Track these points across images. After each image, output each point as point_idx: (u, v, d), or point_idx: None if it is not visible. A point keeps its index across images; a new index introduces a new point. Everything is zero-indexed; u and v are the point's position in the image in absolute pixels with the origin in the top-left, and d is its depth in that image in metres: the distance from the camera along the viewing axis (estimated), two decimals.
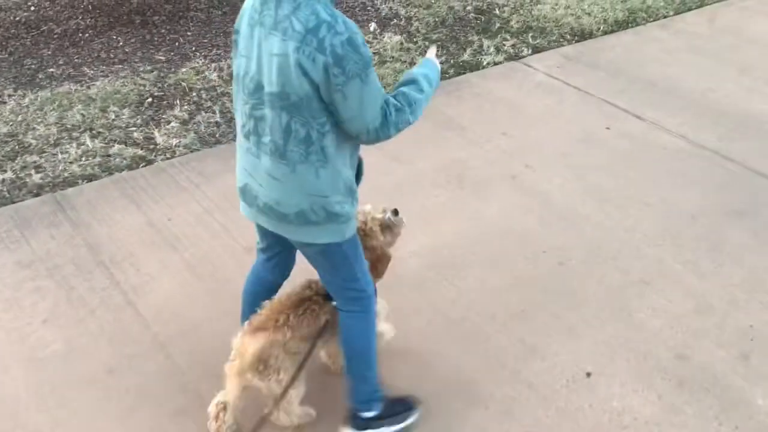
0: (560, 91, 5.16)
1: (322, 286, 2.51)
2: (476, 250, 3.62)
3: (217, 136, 4.45)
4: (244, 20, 2.12)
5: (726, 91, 5.23)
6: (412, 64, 5.42)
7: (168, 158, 4.23)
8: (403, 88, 2.21)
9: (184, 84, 5.02)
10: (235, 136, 4.41)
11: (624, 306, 3.30)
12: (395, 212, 2.69)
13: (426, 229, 3.70)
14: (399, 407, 2.61)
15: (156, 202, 3.85)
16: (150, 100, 4.82)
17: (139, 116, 4.65)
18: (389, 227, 2.66)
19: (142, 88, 4.96)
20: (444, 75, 5.29)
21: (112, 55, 5.38)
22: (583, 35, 6.08)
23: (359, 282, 2.41)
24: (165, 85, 5.00)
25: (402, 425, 2.60)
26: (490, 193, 4.05)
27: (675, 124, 4.78)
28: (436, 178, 4.17)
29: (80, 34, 5.66)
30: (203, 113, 4.67)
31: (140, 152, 4.23)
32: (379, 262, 2.61)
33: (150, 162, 4.17)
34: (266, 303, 2.51)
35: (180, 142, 4.34)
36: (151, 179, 4.03)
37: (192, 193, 3.91)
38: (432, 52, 2.45)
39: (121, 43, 5.54)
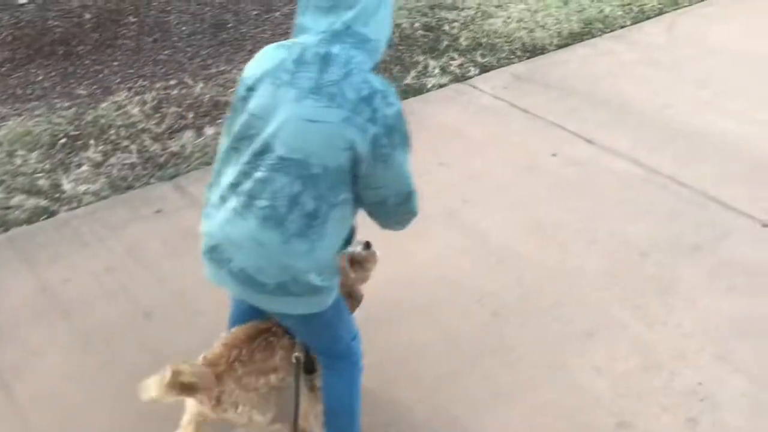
0: (506, 114, 4.85)
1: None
2: (405, 301, 3.30)
3: (129, 179, 4.10)
4: (265, 79, 1.93)
5: (683, 108, 4.93)
6: None
7: (73, 208, 3.87)
8: None
9: (102, 121, 4.67)
10: (150, 178, 4.10)
11: (563, 364, 2.98)
12: (367, 245, 2.46)
13: None
14: None
15: (54, 261, 3.49)
16: (63, 141, 4.46)
17: (48, 160, 4.29)
18: (359, 262, 2.43)
19: (56, 127, 4.60)
20: None
21: (28, 91, 5.03)
22: (535, 51, 5.77)
23: (343, 341, 2.29)
24: (82, 123, 4.65)
25: None
26: (425, 233, 3.71)
27: (627, 147, 4.48)
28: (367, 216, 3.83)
29: None
30: (119, 154, 4.33)
31: (43, 203, 3.87)
32: (347, 301, 2.39)
33: (52, 214, 3.82)
34: (223, 335, 2.31)
35: (89, 188, 3.99)
36: (52, 234, 3.68)
37: (94, 249, 3.56)
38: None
39: (40, 78, 5.19)
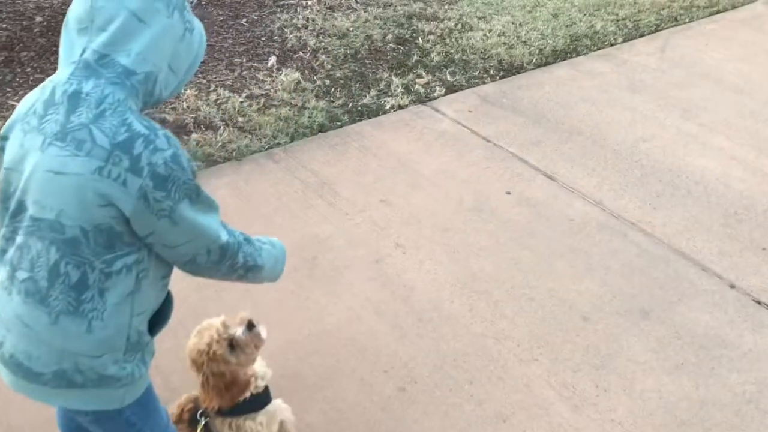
0: (465, 143, 4.44)
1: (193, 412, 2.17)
2: (305, 368, 2.93)
3: None
4: (16, 125, 1.63)
5: (662, 141, 4.49)
6: (302, 108, 4.73)
7: None
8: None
9: None
10: None
11: None
12: (249, 326, 2.14)
13: None
14: None
15: None
16: None
17: None
18: (240, 346, 2.11)
19: None
20: (335, 123, 4.60)
21: None
22: (511, 69, 5.35)
23: None
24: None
25: None
26: (344, 284, 3.35)
27: (592, 185, 4.06)
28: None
29: None
30: None
31: None
32: (229, 389, 2.11)
33: None
34: None
35: None
36: None
37: None
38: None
39: None
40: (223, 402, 2.13)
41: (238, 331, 2.14)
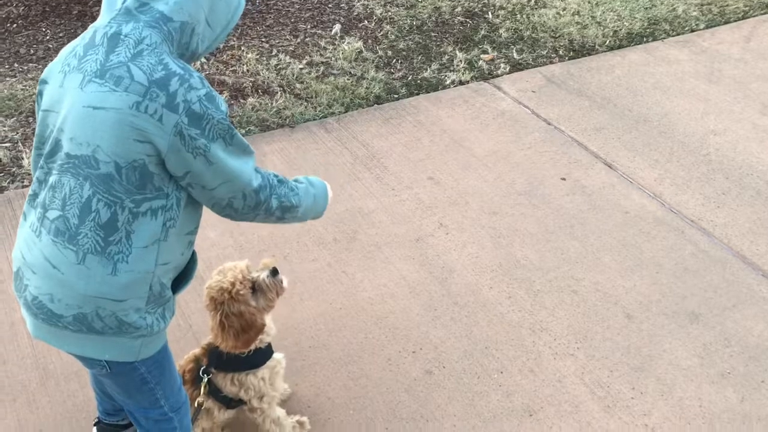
0: (524, 124, 4.30)
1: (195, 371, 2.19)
2: (333, 341, 2.90)
3: None
4: (56, 68, 1.70)
5: (734, 136, 4.24)
6: (360, 79, 4.66)
7: (24, 186, 3.66)
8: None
9: None
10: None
11: None
12: (273, 272, 2.16)
13: (283, 303, 2.99)
14: None
15: None
16: None
17: (21, 129, 4.11)
18: (262, 290, 2.13)
19: None
20: (392, 95, 4.52)
21: (31, 51, 4.86)
22: (581, 50, 5.14)
23: (160, 409, 1.95)
24: None
25: None
26: (382, 261, 3.30)
27: (653, 178, 3.87)
28: (324, 233, 3.44)
29: (8, 25, 5.15)
30: None
31: None
32: (246, 331, 2.10)
33: (1, 190, 3.62)
34: None
35: None
36: None
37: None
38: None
39: (47, 37, 5.01)
40: (238, 344, 2.10)
41: (262, 275, 2.14)
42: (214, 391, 2.21)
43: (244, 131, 4.11)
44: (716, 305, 3.12)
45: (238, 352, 2.14)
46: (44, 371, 2.69)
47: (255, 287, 2.12)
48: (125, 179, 1.61)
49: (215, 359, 2.19)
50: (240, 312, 2.07)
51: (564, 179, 3.85)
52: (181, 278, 1.89)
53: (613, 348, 2.90)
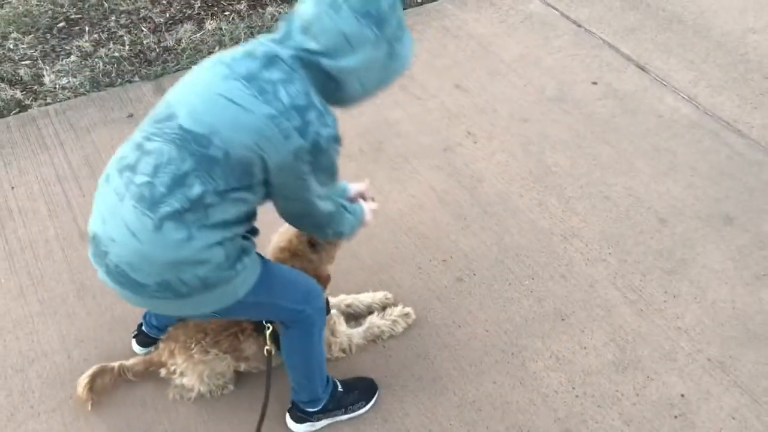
0: (553, 26, 4.15)
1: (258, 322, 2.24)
2: (363, 251, 2.91)
3: (113, 75, 3.81)
4: (212, 59, 1.78)
5: None
6: None
7: (47, 104, 3.64)
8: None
9: (106, 5, 4.34)
10: (135, 75, 3.79)
11: (521, 350, 2.55)
12: None
13: None
14: (348, 398, 2.31)
15: (8, 164, 3.30)
16: (61, 25, 4.19)
17: (40, 46, 4.05)
18: (320, 244, 2.22)
19: (58, 9, 4.33)
20: (415, 0, 4.37)
21: None
22: None
23: (289, 310, 2.02)
24: (85, 6, 4.35)
25: (348, 416, 2.32)
26: (409, 171, 3.26)
27: (688, 80, 3.74)
28: (350, 144, 3.40)
29: None
30: (111, 45, 4.02)
31: (19, 95, 3.65)
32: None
33: (24, 108, 3.60)
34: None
35: (69, 82, 3.73)
36: (15, 132, 3.47)
37: (52, 153, 3.33)
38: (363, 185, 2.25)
39: None
40: None
41: None
42: (276, 339, 2.26)
43: None
44: (751, 208, 3.06)
45: None
46: (81, 285, 2.74)
47: (312, 242, 2.20)
48: (228, 168, 1.66)
49: None
50: (303, 268, 2.15)
51: (595, 83, 3.74)
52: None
53: (646, 252, 2.88)
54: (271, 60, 1.69)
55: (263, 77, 1.67)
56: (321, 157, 1.71)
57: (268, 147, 1.65)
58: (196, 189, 1.66)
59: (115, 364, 2.31)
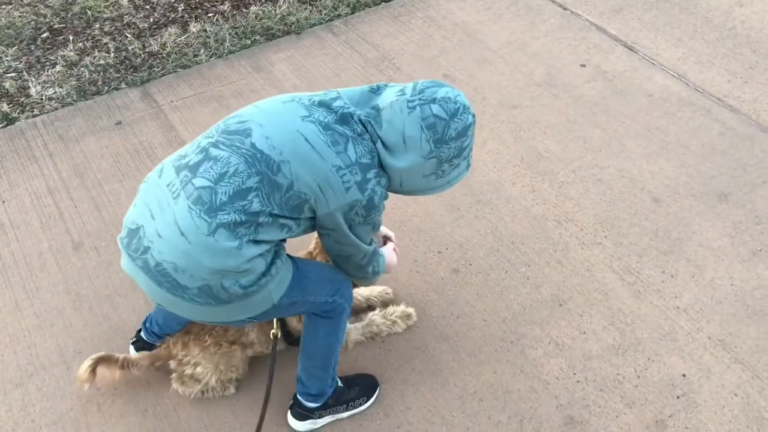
0: (539, 11, 4.13)
1: None
2: None
3: (99, 84, 3.79)
4: (281, 96, 1.92)
5: (763, 5, 4.05)
6: None
7: (34, 116, 3.62)
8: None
9: (89, 13, 4.32)
10: (121, 82, 3.76)
11: (520, 337, 2.54)
12: None
13: None
14: (349, 394, 2.31)
15: None
16: (45, 35, 4.17)
17: (24, 57, 4.03)
18: None
19: (41, 19, 4.30)
20: None
21: None
22: None
23: (319, 306, 2.06)
24: (68, 16, 4.32)
25: (349, 413, 2.31)
26: None
27: (676, 57, 3.73)
28: None
29: None
30: (96, 53, 3.99)
31: (6, 108, 3.63)
32: None
33: (12, 121, 3.58)
34: None
35: (56, 93, 3.71)
36: (3, 146, 3.45)
37: (42, 165, 3.31)
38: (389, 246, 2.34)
39: None
40: None
41: None
42: (282, 324, 2.32)
43: (249, 42, 4.00)
44: (746, 183, 3.05)
45: None
46: (77, 296, 2.73)
47: None
48: (285, 198, 1.76)
49: None
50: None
51: (584, 66, 3.72)
52: None
53: (642, 233, 2.87)
54: (344, 117, 1.83)
55: (336, 130, 1.80)
56: (371, 212, 1.85)
57: (329, 193, 1.77)
58: (255, 206, 1.73)
59: (120, 356, 2.30)
